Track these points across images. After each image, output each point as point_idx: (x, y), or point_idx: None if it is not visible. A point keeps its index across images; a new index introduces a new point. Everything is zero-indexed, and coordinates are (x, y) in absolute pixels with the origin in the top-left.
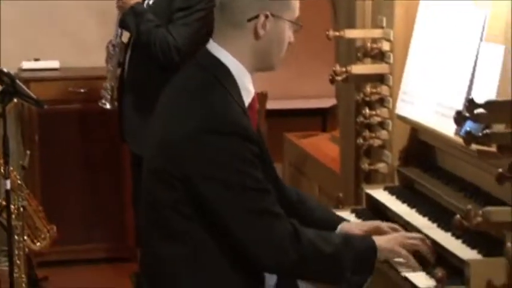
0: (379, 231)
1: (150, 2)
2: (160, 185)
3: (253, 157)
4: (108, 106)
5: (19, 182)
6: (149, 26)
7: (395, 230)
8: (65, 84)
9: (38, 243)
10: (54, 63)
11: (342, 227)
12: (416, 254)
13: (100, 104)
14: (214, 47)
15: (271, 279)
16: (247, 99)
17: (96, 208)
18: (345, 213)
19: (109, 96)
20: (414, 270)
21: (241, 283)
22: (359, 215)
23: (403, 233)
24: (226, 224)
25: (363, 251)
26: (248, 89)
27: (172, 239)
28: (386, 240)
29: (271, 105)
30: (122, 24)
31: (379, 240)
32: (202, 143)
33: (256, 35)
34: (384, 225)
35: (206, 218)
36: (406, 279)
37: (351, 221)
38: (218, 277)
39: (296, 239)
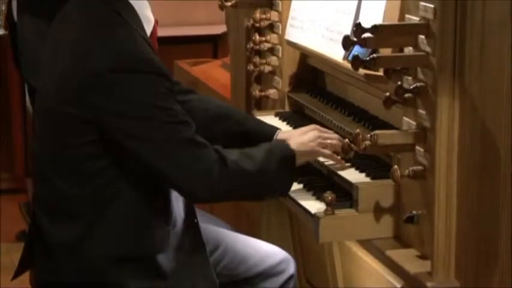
0: None
1: None
2: (64, 128)
3: (168, 91)
4: (1, 32)
5: None
6: None
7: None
8: None
9: None
10: None
11: None
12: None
13: None
14: None
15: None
16: (148, 29)
17: None
18: None
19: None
20: (342, 168)
21: (149, 220)
22: None
23: (319, 133)
24: (150, 164)
25: (284, 159)
26: (148, 17)
27: (75, 178)
28: (303, 144)
29: (161, 32)
30: None
31: (295, 144)
32: (114, 83)
33: None
34: None
35: (116, 158)
36: (299, 205)
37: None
38: (124, 213)
39: (223, 164)
